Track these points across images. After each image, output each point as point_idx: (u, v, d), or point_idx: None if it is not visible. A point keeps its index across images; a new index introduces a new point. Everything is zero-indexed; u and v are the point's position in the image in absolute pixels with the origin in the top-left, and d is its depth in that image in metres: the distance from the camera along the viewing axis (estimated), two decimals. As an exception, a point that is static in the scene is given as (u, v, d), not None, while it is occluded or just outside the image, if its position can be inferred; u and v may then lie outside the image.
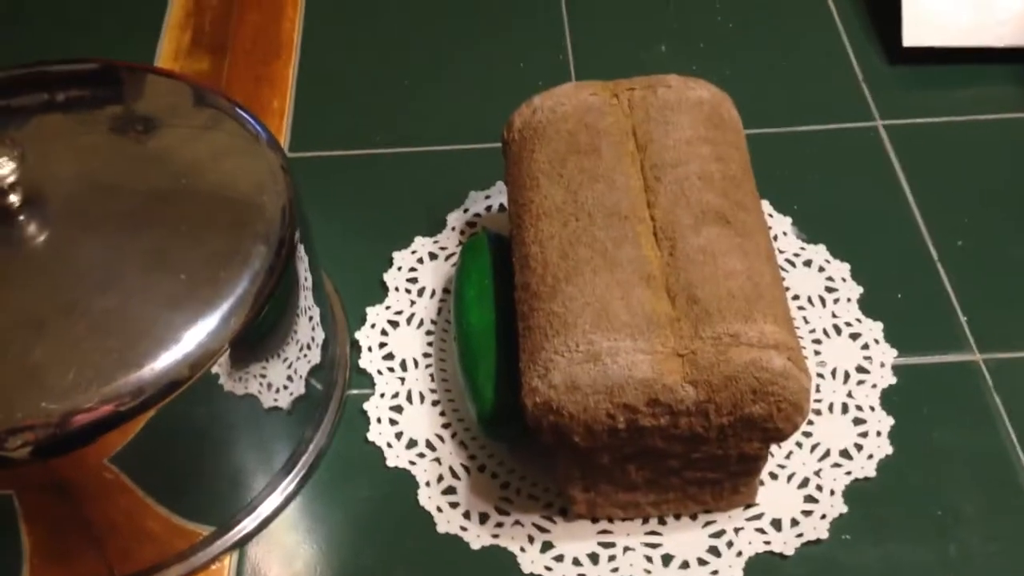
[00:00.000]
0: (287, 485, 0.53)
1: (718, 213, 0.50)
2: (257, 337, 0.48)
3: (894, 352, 0.58)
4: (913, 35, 0.72)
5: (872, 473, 0.53)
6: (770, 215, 0.64)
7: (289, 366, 0.52)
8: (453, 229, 0.64)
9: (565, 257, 0.49)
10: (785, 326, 0.46)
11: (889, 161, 0.67)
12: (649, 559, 0.50)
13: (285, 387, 0.52)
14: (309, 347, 0.54)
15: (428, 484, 0.53)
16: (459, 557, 0.50)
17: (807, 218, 0.64)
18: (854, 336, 0.58)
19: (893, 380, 0.56)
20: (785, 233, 0.63)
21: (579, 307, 0.46)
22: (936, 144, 0.68)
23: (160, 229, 0.48)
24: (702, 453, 0.47)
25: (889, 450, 0.54)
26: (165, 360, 0.44)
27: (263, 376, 0.50)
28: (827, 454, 0.54)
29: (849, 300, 0.60)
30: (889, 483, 0.53)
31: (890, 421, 0.55)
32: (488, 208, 0.65)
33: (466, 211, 0.65)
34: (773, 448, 0.54)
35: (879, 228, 0.64)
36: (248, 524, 0.52)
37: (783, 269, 0.61)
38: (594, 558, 0.50)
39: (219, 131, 0.53)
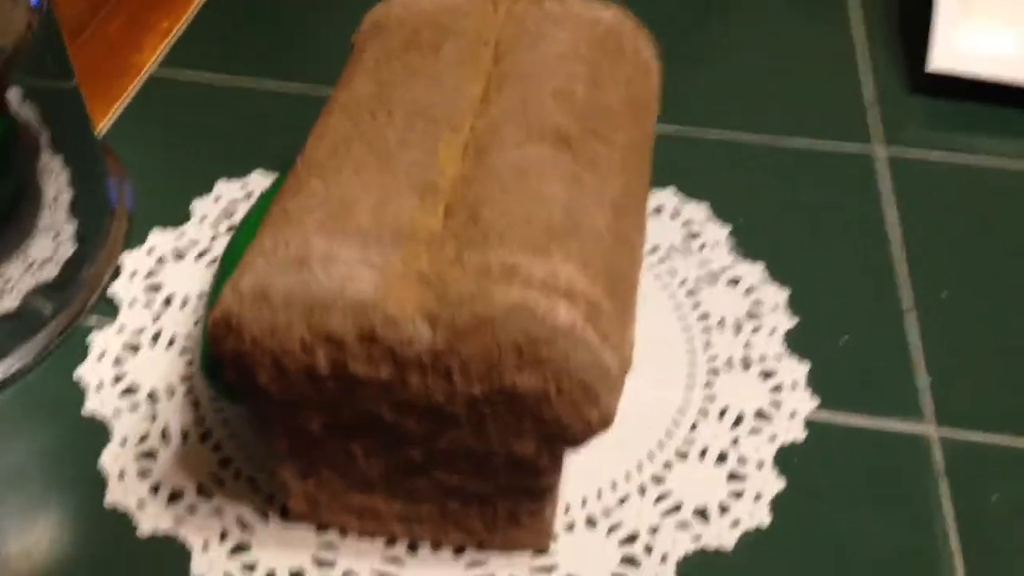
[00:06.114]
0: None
1: (559, 134, 0.36)
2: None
3: (814, 403, 0.42)
4: (941, 59, 0.58)
5: (729, 543, 0.37)
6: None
7: (7, 281, 0.40)
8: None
9: (334, 154, 0.35)
10: (603, 282, 0.32)
11: (878, 192, 0.53)
12: (372, 594, 0.35)
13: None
14: (41, 265, 0.42)
15: (124, 442, 0.39)
16: (119, 539, 0.36)
17: (748, 232, 0.50)
18: (765, 375, 0.43)
19: (801, 435, 0.41)
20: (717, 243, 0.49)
21: (314, 204, 0.33)
22: (937, 184, 0.53)
23: None
24: (450, 442, 0.32)
25: (765, 519, 0.38)
26: None
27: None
28: (677, 508, 0.38)
29: (774, 332, 0.45)
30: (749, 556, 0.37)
31: (779, 484, 0.39)
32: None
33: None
34: (602, 483, 0.39)
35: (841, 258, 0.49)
36: None
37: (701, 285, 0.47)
38: (297, 577, 0.35)
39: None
